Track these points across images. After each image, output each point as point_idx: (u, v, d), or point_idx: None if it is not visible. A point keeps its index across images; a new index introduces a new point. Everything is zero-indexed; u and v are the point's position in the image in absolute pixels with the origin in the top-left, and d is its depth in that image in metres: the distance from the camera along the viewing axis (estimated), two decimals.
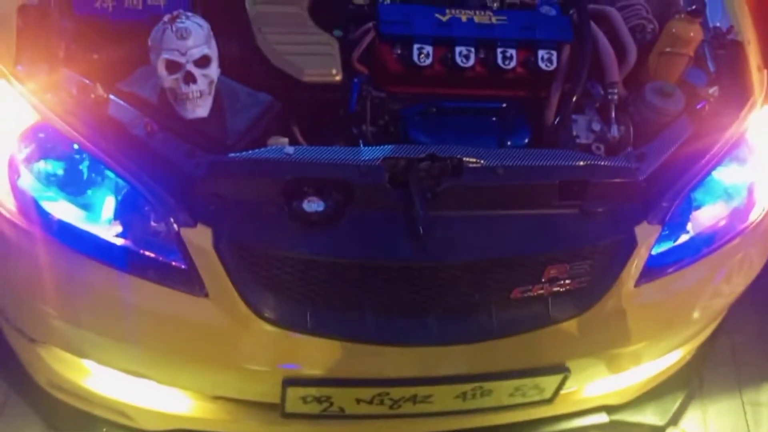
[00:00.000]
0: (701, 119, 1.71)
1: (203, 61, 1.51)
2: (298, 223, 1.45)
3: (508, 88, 1.78)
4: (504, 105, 1.77)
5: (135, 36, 1.59)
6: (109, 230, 1.52)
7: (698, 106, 1.73)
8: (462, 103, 1.76)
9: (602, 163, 1.61)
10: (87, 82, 1.51)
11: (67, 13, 1.63)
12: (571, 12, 1.82)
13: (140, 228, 1.52)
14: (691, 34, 1.76)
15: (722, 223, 1.76)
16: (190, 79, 1.50)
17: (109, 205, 1.53)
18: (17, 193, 1.53)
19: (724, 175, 1.75)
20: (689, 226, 1.73)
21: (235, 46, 1.71)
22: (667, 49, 1.78)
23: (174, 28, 1.48)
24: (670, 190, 1.62)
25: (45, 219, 1.52)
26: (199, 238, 1.45)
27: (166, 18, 1.50)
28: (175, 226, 1.45)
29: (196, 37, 1.49)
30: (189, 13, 1.52)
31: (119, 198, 1.52)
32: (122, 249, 1.51)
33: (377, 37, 1.69)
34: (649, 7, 1.90)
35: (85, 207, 1.53)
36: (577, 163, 1.58)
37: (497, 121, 1.76)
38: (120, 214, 1.52)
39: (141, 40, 1.54)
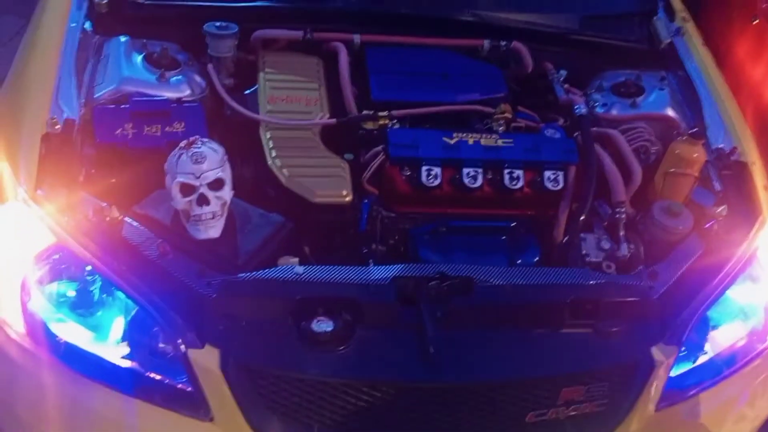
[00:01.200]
0: (711, 238, 1.72)
1: (217, 184, 1.55)
2: (307, 344, 1.43)
3: (516, 208, 1.80)
4: (513, 224, 1.79)
5: (152, 161, 1.64)
6: (116, 352, 1.51)
7: (707, 225, 1.73)
8: (471, 223, 1.78)
9: (614, 281, 1.60)
10: (103, 204, 1.55)
11: (88, 141, 1.70)
12: (575, 135, 1.87)
13: (148, 349, 1.51)
14: (695, 155, 1.79)
15: (741, 343, 1.72)
16: (203, 201, 1.54)
17: (117, 326, 1.52)
18: (27, 315, 1.53)
19: (738, 294, 1.73)
20: (707, 347, 1.70)
21: (249, 169, 1.76)
22: (672, 170, 1.81)
23: (190, 153, 1.53)
24: (686, 310, 1.60)
25: (52, 342, 1.51)
26: (207, 360, 1.43)
27: (183, 143, 1.55)
28: (182, 347, 1.43)
29: (210, 161, 1.54)
30: (205, 139, 1.58)
31: (128, 319, 1.51)
32: (128, 372, 1.50)
33: (387, 159, 1.74)
34: (651, 130, 1.95)
35: (94, 328, 1.53)
36: (588, 282, 1.57)
37: (506, 239, 1.77)
38: (128, 336, 1.51)
39: (158, 165, 1.59)
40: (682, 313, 1.59)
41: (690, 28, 2.27)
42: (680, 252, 1.69)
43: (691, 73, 2.10)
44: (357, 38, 1.98)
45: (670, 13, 2.27)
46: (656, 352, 1.55)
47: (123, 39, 1.88)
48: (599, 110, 1.99)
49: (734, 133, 1.97)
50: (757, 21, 3.01)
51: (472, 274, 1.53)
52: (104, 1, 1.94)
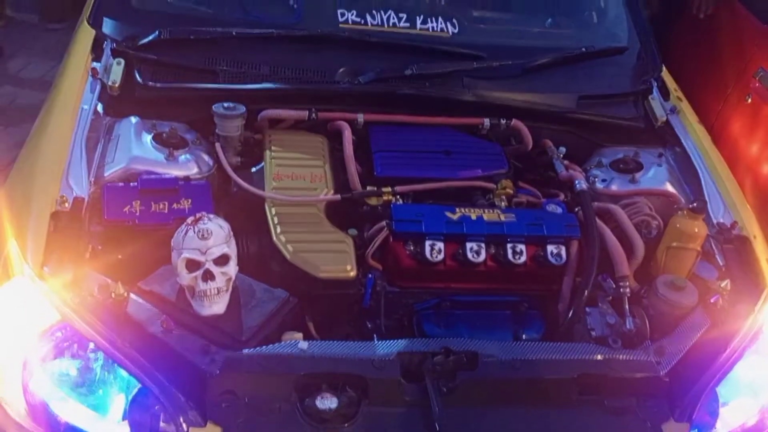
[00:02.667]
0: (716, 312, 1.71)
1: (222, 260, 1.56)
2: (311, 421, 1.41)
3: (519, 282, 1.80)
4: (517, 298, 1.79)
5: (159, 237, 1.65)
6: None
7: (712, 300, 1.73)
8: (475, 297, 1.78)
9: (621, 356, 1.58)
10: (108, 281, 1.55)
11: (96, 218, 1.72)
12: (576, 210, 1.89)
13: (149, 429, 1.47)
14: (696, 230, 1.81)
15: (752, 421, 1.69)
16: (208, 276, 1.54)
17: (119, 404, 1.50)
18: (28, 395, 1.51)
19: (746, 369, 1.70)
20: (718, 425, 1.66)
21: (254, 244, 1.77)
22: (674, 244, 1.82)
23: (196, 229, 1.55)
24: (695, 386, 1.57)
25: (53, 422, 1.49)
26: None
27: (189, 220, 1.57)
28: (184, 425, 1.41)
29: (216, 237, 1.55)
30: (211, 215, 1.60)
31: (130, 397, 1.49)
32: None
33: (390, 234, 1.75)
34: (651, 205, 1.97)
35: (95, 407, 1.51)
36: (595, 357, 1.56)
37: (511, 314, 1.76)
38: (129, 414, 1.49)
39: (165, 241, 1.60)
40: (692, 390, 1.56)
41: (684, 106, 2.34)
42: (686, 327, 1.68)
43: (688, 149, 2.14)
44: (360, 117, 2.03)
45: (665, 93, 2.34)
46: (667, 430, 1.52)
47: (134, 120, 1.93)
48: (599, 186, 2.02)
49: (734, 207, 1.99)
50: (751, 99, 3.09)
51: (477, 348, 1.52)
52: (116, 85, 2.01)
